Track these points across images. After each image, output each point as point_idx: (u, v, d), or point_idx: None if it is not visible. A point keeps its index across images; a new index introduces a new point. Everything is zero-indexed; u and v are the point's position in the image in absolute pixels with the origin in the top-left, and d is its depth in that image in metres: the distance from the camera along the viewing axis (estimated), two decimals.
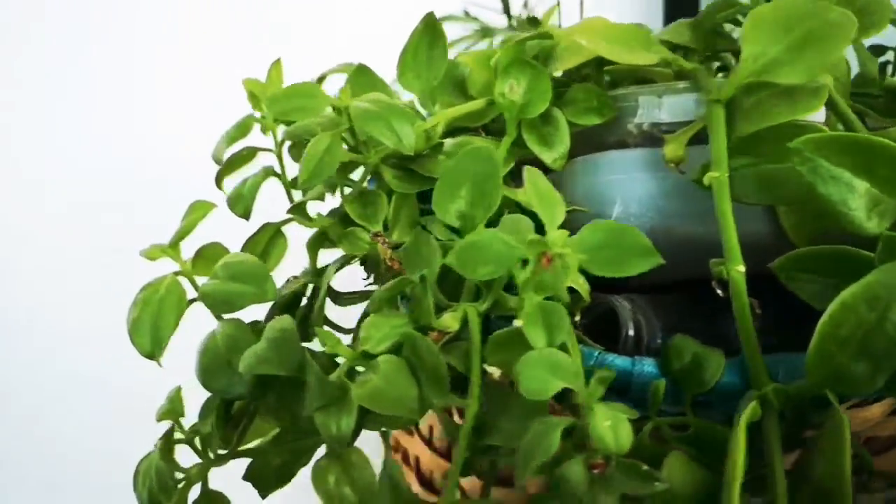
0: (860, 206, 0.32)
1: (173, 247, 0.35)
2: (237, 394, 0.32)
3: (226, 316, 0.34)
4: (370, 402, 0.28)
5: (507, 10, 0.59)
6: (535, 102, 0.36)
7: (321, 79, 0.42)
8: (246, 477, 0.34)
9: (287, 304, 0.36)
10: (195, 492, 0.37)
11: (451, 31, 0.42)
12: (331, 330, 0.30)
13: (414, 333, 0.28)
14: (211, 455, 0.35)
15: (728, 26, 0.44)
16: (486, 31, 0.58)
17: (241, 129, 0.39)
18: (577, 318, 0.35)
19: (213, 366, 0.33)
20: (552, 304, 0.28)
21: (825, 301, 0.33)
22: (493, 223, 0.31)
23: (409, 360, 0.28)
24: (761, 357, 0.32)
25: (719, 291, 0.34)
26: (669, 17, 0.86)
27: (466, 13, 0.58)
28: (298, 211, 0.36)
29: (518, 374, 0.26)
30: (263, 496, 0.38)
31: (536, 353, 0.27)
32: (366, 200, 0.35)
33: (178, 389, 0.37)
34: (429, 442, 0.45)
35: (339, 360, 0.30)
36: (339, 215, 0.36)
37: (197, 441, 0.36)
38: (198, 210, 0.34)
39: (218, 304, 0.33)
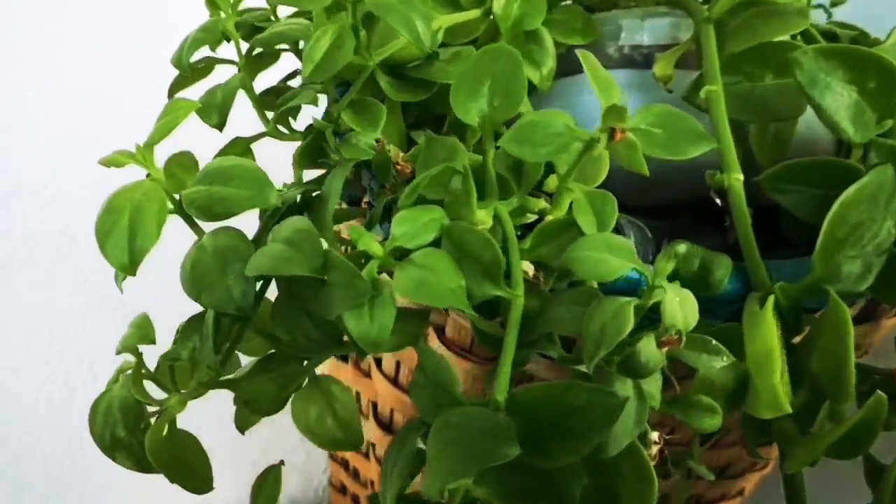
0: (848, 117, 0.33)
1: (147, 148, 0.31)
2: (235, 307, 0.29)
3: (213, 226, 0.31)
4: (415, 293, 0.26)
5: None
6: (531, 15, 0.36)
7: None
8: (237, 401, 0.30)
9: (284, 215, 0.33)
10: None
11: None
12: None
13: (458, 223, 0.26)
14: (194, 385, 0.31)
15: None
16: None
17: (210, 31, 0.35)
18: None
19: (205, 277, 0.29)
20: (601, 191, 0.27)
21: (808, 210, 0.34)
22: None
23: (451, 252, 0.26)
24: (762, 261, 0.33)
25: (717, 201, 0.35)
26: None
27: None
28: (280, 120, 0.33)
29: (573, 259, 0.25)
30: (243, 430, 0.35)
31: (591, 236, 0.26)
32: (361, 107, 0.33)
33: (145, 315, 0.33)
34: (394, 381, 0.43)
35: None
36: (332, 122, 0.33)
37: (169, 371, 0.32)
38: (178, 108, 0.31)
39: (207, 210, 0.30)
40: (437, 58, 0.34)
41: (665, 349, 0.24)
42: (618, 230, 0.35)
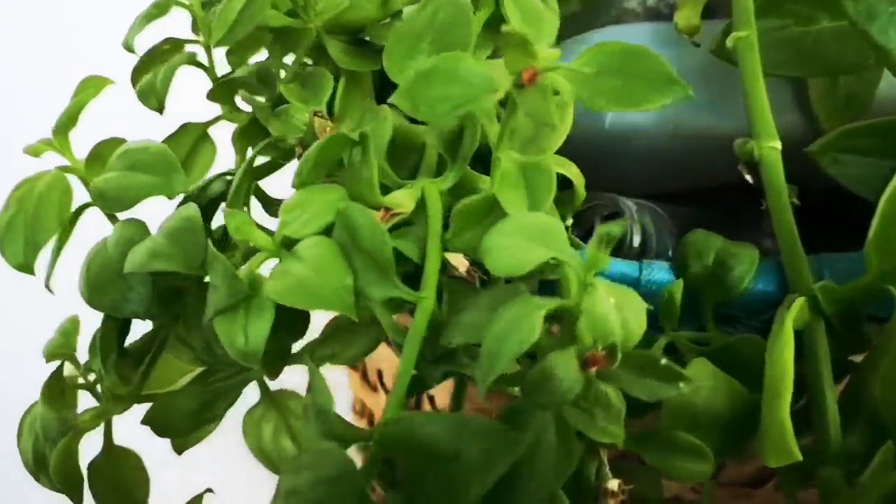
0: None
1: (60, 134, 0.27)
2: (131, 311, 0.25)
3: (123, 217, 0.27)
4: (289, 296, 0.20)
5: None
6: None
7: None
8: (144, 420, 0.26)
9: (205, 206, 0.28)
10: (96, 445, 0.30)
11: None
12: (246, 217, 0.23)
13: (350, 205, 0.21)
14: (106, 400, 0.28)
15: None
16: None
17: (161, 7, 0.31)
18: (569, 223, 0.28)
19: (101, 276, 0.25)
20: (536, 160, 0.20)
21: (873, 187, 0.26)
22: None
23: (343, 242, 0.21)
24: (804, 254, 0.25)
25: (747, 177, 0.27)
26: None
27: None
28: (223, 96, 0.29)
29: (487, 248, 0.19)
30: (179, 451, 0.30)
31: (509, 219, 0.19)
32: (306, 80, 0.28)
33: (74, 320, 0.30)
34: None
35: None
36: (273, 101, 0.29)
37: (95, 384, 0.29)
38: (89, 87, 0.27)
39: (112, 201, 0.26)
40: (399, 18, 0.29)
41: (592, 370, 0.17)
42: (616, 215, 0.28)
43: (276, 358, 0.24)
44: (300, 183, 0.22)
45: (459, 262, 0.22)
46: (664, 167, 0.32)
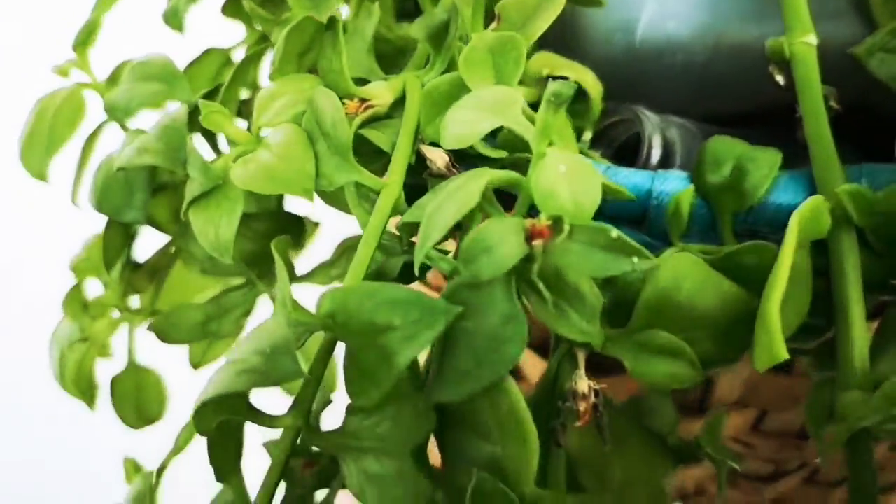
0: None
1: (79, 49, 0.28)
2: (132, 217, 0.25)
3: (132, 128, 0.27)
4: (253, 182, 0.20)
5: None
6: None
7: None
8: (151, 327, 0.27)
9: None
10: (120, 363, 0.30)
11: None
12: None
13: (318, 89, 0.20)
14: (118, 309, 0.28)
15: None
16: None
17: None
18: (587, 136, 0.26)
19: (107, 182, 0.26)
20: (505, 35, 0.19)
21: None
22: None
23: (311, 129, 0.20)
24: (837, 159, 0.22)
25: (779, 78, 0.24)
26: None
27: None
28: (237, 11, 0.29)
29: (444, 125, 0.18)
30: (195, 366, 0.31)
31: (472, 93, 0.18)
32: None
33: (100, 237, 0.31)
34: None
35: None
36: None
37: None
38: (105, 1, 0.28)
39: (120, 111, 0.27)
40: None
41: (537, 244, 0.16)
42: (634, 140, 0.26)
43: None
44: (274, 72, 0.22)
45: (439, 157, 0.21)
46: (703, 86, 0.29)
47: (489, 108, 0.17)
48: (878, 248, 0.21)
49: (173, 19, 0.31)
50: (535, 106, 0.18)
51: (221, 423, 0.18)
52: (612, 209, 0.22)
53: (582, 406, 0.18)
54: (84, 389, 0.28)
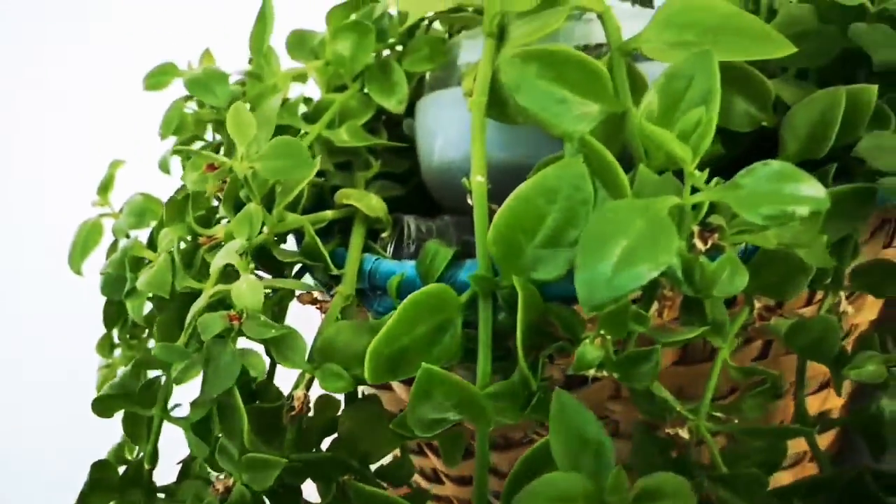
0: (564, 112, 0.34)
1: (101, 193, 0.47)
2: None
3: None
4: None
5: None
6: (358, 57, 0.43)
7: None
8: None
9: None
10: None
11: None
12: None
13: None
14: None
15: None
16: None
17: None
18: (386, 234, 0.41)
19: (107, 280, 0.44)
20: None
21: None
22: None
23: None
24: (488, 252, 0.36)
25: (469, 200, 0.38)
26: None
27: None
28: None
29: None
30: None
31: None
32: None
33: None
34: None
35: None
36: None
37: None
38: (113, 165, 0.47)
39: (121, 231, 0.45)
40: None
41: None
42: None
43: None
44: None
45: None
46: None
47: None
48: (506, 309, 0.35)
49: (163, 167, 0.49)
50: None
51: None
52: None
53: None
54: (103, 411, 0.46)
